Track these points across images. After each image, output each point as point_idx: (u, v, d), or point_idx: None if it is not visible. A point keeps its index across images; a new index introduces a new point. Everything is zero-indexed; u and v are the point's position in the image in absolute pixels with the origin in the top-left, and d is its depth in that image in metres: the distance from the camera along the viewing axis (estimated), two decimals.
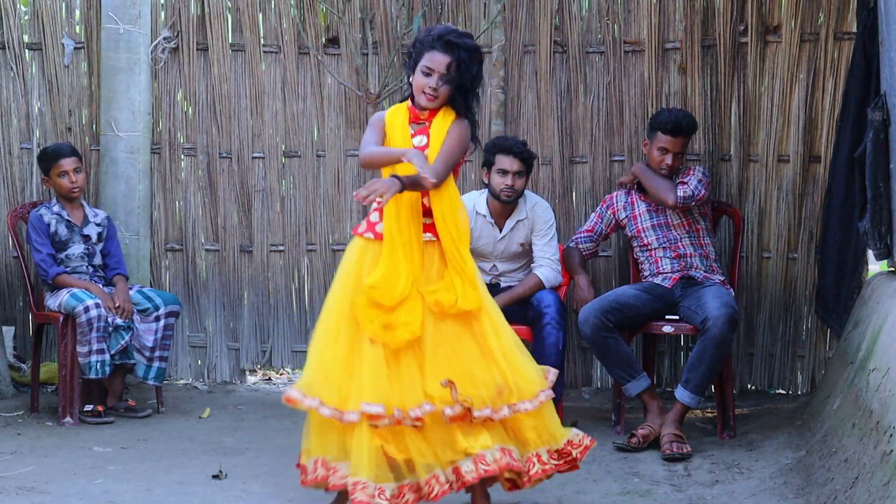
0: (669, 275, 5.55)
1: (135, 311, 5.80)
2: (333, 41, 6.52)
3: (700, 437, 5.36)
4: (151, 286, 6.37)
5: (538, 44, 6.35)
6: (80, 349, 5.62)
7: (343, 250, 6.49)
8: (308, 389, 3.89)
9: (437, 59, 3.96)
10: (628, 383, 5.30)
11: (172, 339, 6.07)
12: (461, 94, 4.02)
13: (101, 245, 5.98)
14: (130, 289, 5.90)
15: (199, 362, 6.67)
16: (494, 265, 5.71)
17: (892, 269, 4.97)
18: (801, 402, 5.86)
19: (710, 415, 5.80)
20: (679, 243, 5.58)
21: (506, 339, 4.02)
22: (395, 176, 3.88)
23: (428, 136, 4.05)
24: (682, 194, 5.45)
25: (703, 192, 5.50)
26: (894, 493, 3.32)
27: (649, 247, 5.64)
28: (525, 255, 5.70)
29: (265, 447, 5.20)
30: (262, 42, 6.55)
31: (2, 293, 6.54)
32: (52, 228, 5.85)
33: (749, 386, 6.29)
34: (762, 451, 5.01)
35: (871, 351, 4.36)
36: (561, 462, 4.05)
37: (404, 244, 3.95)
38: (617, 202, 5.76)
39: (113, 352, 5.69)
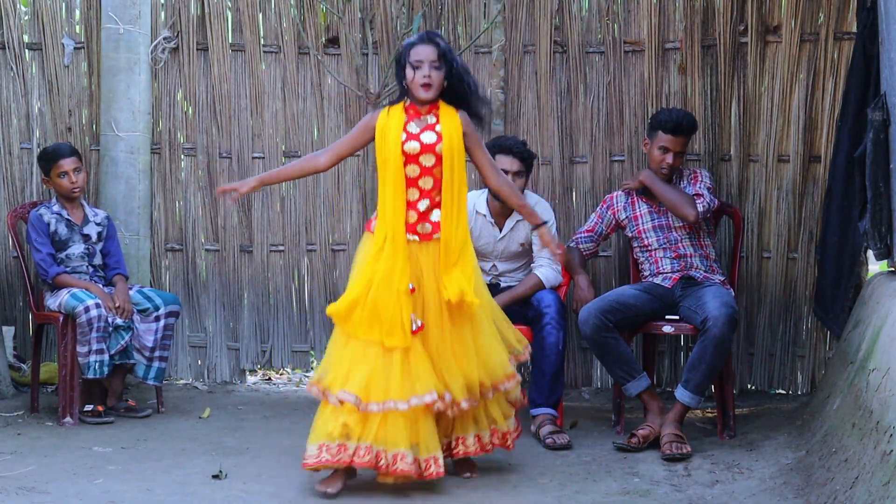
0: (669, 275, 5.55)
1: (135, 311, 5.80)
2: (333, 41, 6.52)
3: (700, 437, 5.36)
4: (151, 286, 6.37)
5: (538, 44, 6.35)
6: (80, 349, 5.62)
7: (343, 250, 6.55)
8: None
9: (422, 51, 4.42)
10: (628, 383, 5.30)
11: (172, 339, 6.07)
12: (454, 82, 4.47)
13: (101, 245, 5.98)
14: (130, 289, 5.90)
15: (199, 362, 6.67)
16: (494, 265, 5.71)
17: (892, 269, 4.97)
18: (801, 402, 5.85)
19: (710, 415, 5.80)
20: (679, 244, 5.58)
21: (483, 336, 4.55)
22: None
23: (438, 134, 4.46)
24: (702, 209, 5.47)
25: (716, 201, 5.55)
26: (894, 493, 3.32)
27: (649, 247, 5.64)
28: (525, 255, 5.70)
29: (265, 447, 5.20)
30: (262, 42, 6.55)
31: (2, 293, 6.54)
32: (52, 228, 5.85)
33: (749, 386, 6.29)
34: (762, 451, 5.01)
35: (871, 351, 4.36)
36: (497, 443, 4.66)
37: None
38: (617, 203, 5.76)
39: (113, 352, 5.69)
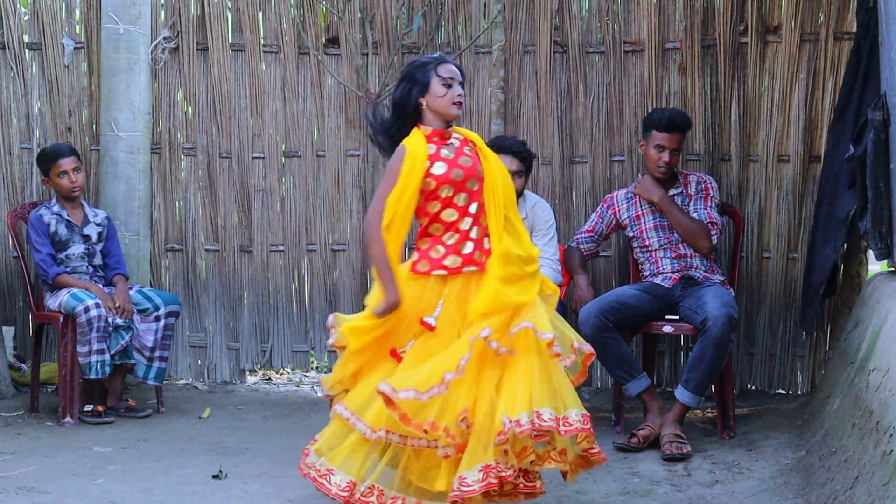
0: (669, 275, 5.55)
1: (135, 311, 5.80)
2: (333, 41, 6.52)
3: (700, 437, 5.36)
4: (151, 286, 6.37)
5: (538, 44, 6.35)
6: (80, 349, 5.62)
7: (343, 250, 6.55)
8: None
9: (452, 70, 4.02)
10: (628, 383, 5.30)
11: (172, 339, 6.07)
12: None
13: (101, 245, 5.98)
14: (130, 289, 5.90)
15: (199, 362, 6.67)
16: None
17: (893, 269, 4.97)
18: (801, 402, 5.86)
19: (710, 415, 5.80)
20: (680, 244, 5.58)
21: None
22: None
23: (476, 158, 4.04)
24: (715, 241, 5.52)
25: (724, 220, 5.60)
26: (894, 493, 3.32)
27: (650, 247, 5.64)
28: None
29: (265, 447, 5.20)
30: (262, 42, 6.55)
31: (2, 293, 6.54)
32: (52, 228, 5.85)
33: (749, 386, 6.28)
34: (762, 451, 5.01)
35: (871, 351, 4.36)
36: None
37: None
38: (618, 203, 5.76)
39: (113, 352, 5.69)
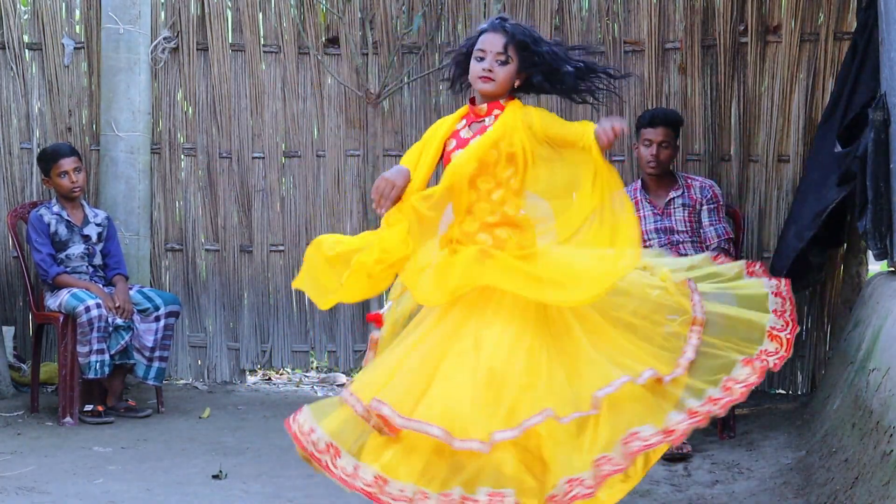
0: None
1: (135, 311, 5.80)
2: (333, 41, 6.52)
3: (700, 437, 5.35)
4: (151, 286, 6.37)
5: None
6: (81, 349, 5.62)
7: None
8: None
9: (488, 40, 3.63)
10: None
11: (172, 339, 6.07)
12: (540, 78, 3.65)
13: (101, 245, 5.97)
14: (130, 289, 5.90)
15: (199, 362, 6.67)
16: None
17: (893, 269, 4.96)
18: (801, 402, 5.85)
19: None
20: (681, 245, 5.58)
21: None
22: None
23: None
24: (733, 252, 5.53)
25: (730, 227, 5.63)
26: (894, 493, 3.31)
27: (651, 248, 5.63)
28: None
29: (265, 447, 5.20)
30: (262, 42, 6.55)
31: (2, 293, 6.54)
32: (52, 228, 5.85)
33: None
34: (762, 451, 5.00)
35: (871, 351, 4.35)
36: None
37: None
38: None
39: (113, 352, 5.69)
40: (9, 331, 6.39)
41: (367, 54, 6.46)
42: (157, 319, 5.86)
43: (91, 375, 5.64)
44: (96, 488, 4.51)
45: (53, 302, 5.75)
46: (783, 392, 6.23)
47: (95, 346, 5.61)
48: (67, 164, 5.85)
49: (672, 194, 5.61)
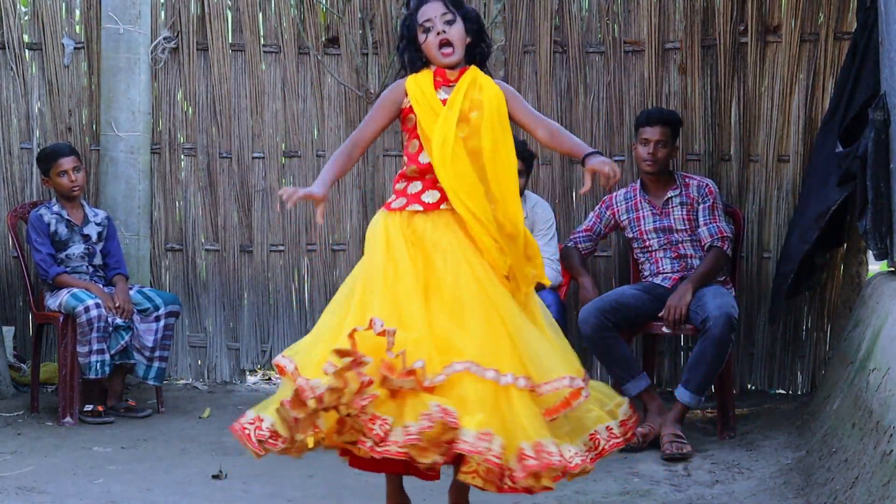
0: (669, 275, 5.55)
1: (135, 311, 5.80)
2: (333, 41, 6.52)
3: (700, 437, 5.36)
4: (151, 286, 6.37)
5: (538, 44, 6.35)
6: (80, 349, 5.62)
7: (343, 250, 6.55)
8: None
9: (428, 10, 3.71)
10: (628, 383, 5.29)
11: (172, 339, 6.07)
12: (475, 28, 3.76)
13: (101, 245, 5.98)
14: (130, 289, 5.90)
15: (199, 362, 6.67)
16: None
17: (893, 269, 4.96)
18: (801, 402, 5.86)
19: (710, 415, 5.80)
20: (681, 245, 5.58)
21: None
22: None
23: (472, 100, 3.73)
24: (729, 252, 5.52)
25: (731, 228, 5.61)
26: (894, 494, 3.31)
27: (650, 248, 5.63)
28: None
29: None
30: (262, 42, 6.56)
31: (2, 293, 6.54)
32: (52, 228, 5.86)
33: (749, 386, 6.28)
34: (762, 451, 5.01)
35: (871, 351, 4.36)
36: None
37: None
38: (618, 203, 5.75)
39: (113, 352, 5.69)
40: (9, 331, 6.39)
41: (367, 54, 6.47)
42: (157, 319, 5.86)
43: (91, 375, 5.64)
44: (96, 488, 4.51)
45: (53, 302, 5.75)
46: (783, 392, 6.24)
47: (95, 346, 5.61)
48: (67, 163, 5.86)
49: (670, 193, 5.61)
